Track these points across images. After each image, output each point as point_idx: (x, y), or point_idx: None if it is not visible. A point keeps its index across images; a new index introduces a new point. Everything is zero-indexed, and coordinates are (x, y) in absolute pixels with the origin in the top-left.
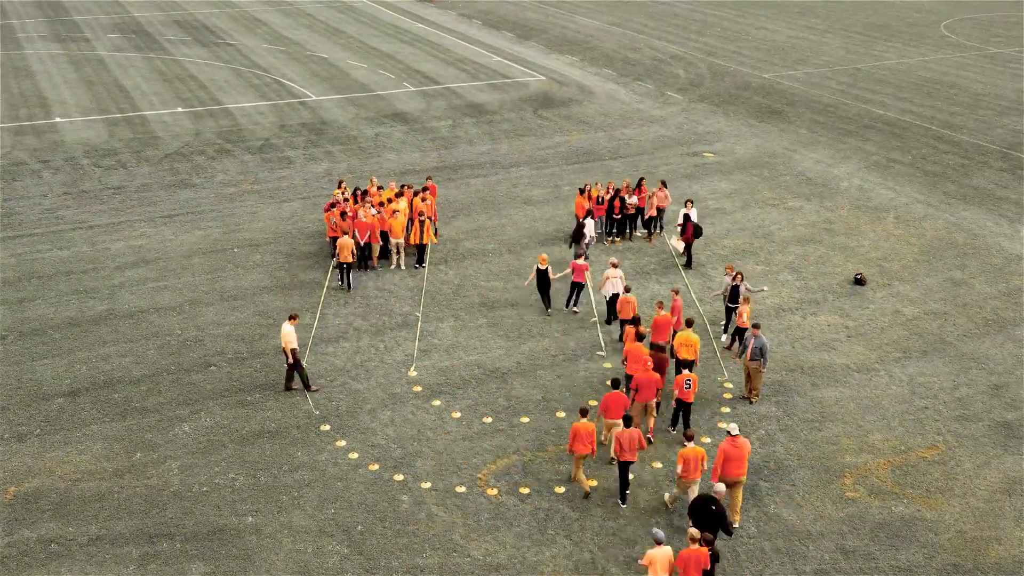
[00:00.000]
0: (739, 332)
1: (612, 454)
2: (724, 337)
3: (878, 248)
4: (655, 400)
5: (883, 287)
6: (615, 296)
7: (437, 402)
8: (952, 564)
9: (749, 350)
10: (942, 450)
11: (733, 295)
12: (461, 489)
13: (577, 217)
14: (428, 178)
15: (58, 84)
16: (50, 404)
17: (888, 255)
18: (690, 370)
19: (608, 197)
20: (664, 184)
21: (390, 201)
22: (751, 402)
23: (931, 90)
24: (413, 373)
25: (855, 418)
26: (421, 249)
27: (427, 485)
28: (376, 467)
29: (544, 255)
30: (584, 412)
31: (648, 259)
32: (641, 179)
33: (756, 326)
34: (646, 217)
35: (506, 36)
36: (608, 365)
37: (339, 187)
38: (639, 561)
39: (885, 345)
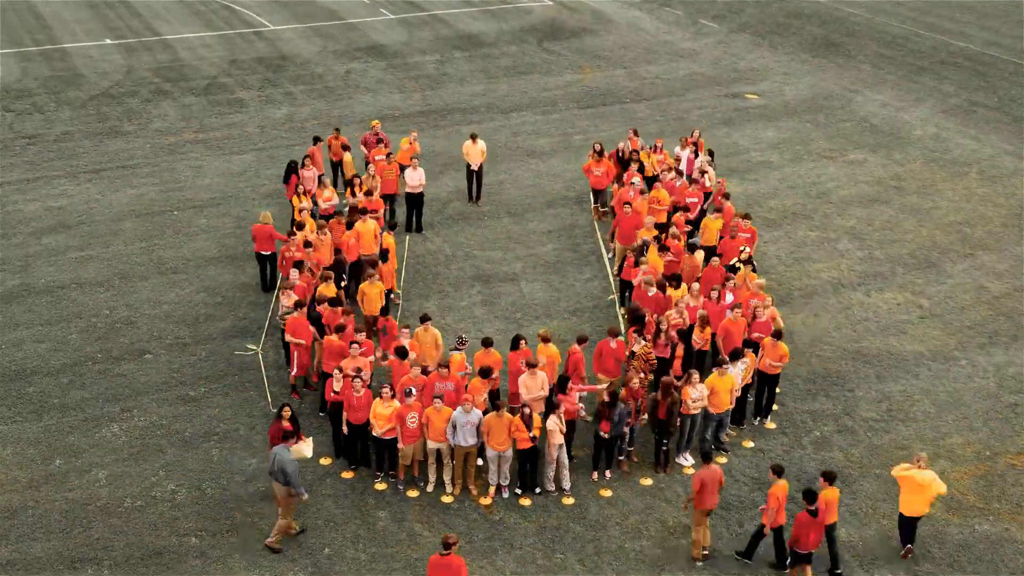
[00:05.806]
0: None
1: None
2: None
3: (958, 210)
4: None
5: (964, 258)
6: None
7: None
8: None
9: None
10: None
11: None
12: (448, 500)
13: (592, 187)
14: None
15: None
16: None
17: (970, 219)
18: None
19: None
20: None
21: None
22: None
23: (1022, 18)
24: None
25: (930, 417)
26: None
27: (414, 494)
28: (350, 475)
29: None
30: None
31: None
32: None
33: None
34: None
35: None
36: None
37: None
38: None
39: (966, 328)
